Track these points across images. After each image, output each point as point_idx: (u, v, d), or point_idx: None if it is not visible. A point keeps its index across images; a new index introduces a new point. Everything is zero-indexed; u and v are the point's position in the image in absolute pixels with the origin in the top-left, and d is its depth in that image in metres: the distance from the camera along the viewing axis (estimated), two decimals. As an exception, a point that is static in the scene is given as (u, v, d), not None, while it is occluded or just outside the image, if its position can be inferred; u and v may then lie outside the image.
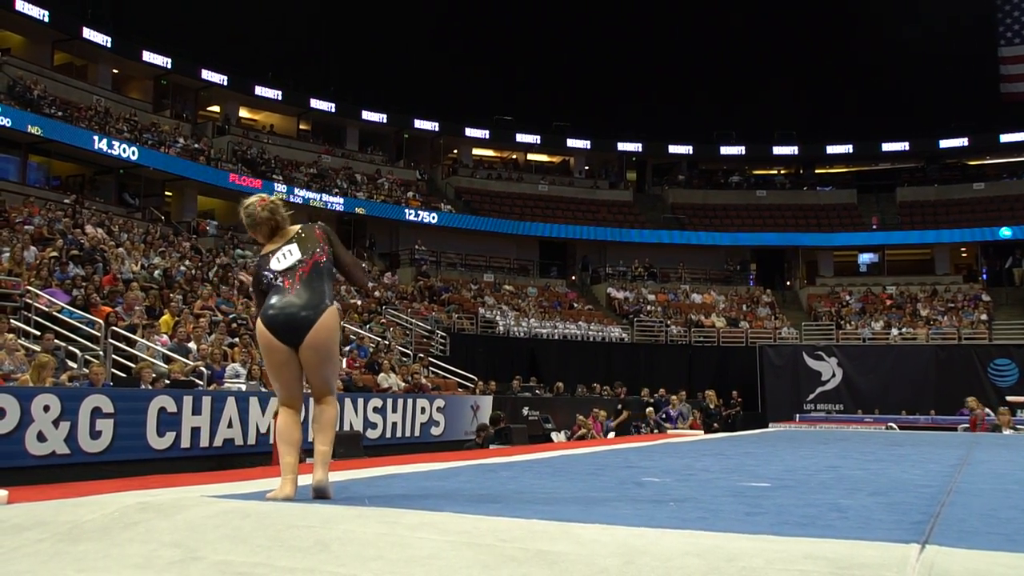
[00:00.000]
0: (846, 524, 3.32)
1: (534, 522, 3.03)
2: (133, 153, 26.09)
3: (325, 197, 30.60)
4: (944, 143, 38.60)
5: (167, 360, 12.32)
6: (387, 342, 19.72)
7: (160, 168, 27.42)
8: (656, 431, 16.94)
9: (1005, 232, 33.81)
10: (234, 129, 33.36)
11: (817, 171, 41.48)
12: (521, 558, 2.54)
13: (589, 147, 40.34)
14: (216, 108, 35.34)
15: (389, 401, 13.50)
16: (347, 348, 17.63)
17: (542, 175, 39.90)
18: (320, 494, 3.78)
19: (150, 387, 10.53)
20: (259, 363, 12.04)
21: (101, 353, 12.07)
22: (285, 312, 3.83)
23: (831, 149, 40.03)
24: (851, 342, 28.22)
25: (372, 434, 12.64)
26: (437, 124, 38.39)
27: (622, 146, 40.45)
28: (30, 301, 13.12)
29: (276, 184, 29.06)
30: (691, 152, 40.96)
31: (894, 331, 28.77)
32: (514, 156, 42.03)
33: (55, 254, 15.92)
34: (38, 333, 12.11)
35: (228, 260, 22.62)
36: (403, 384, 16.42)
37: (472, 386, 19.11)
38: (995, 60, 38.01)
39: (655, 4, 39.60)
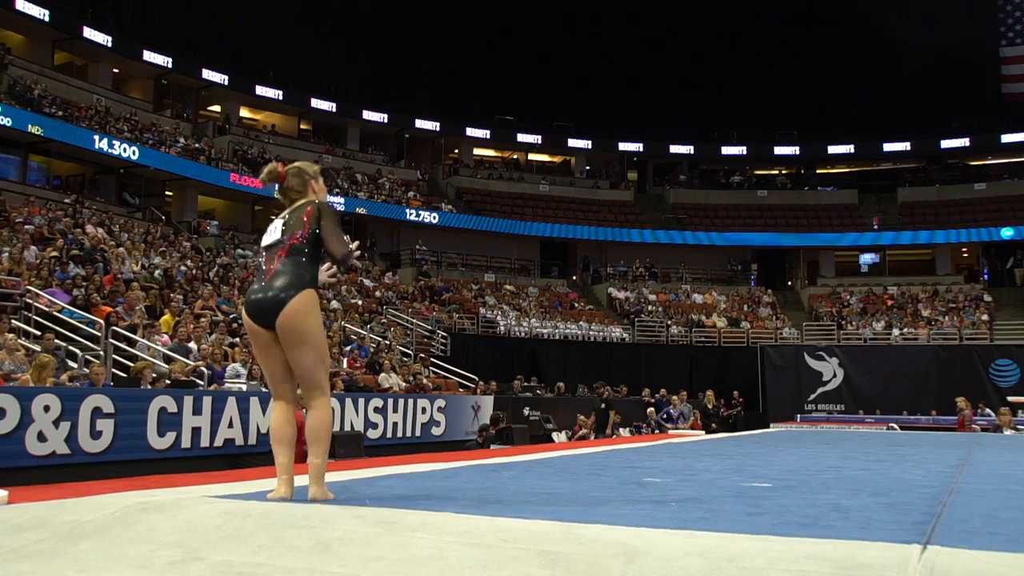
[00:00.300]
0: (848, 524, 3.31)
1: (535, 522, 3.03)
2: (134, 153, 26.08)
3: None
4: (945, 143, 38.57)
5: (168, 360, 12.32)
6: (388, 342, 19.73)
7: (161, 168, 27.41)
8: (657, 431, 16.95)
9: (1006, 232, 33.80)
10: (235, 129, 33.36)
11: (818, 171, 41.47)
12: (522, 558, 2.54)
13: (590, 147, 40.33)
14: (217, 108, 35.34)
15: (390, 401, 13.50)
16: (348, 348, 17.64)
17: (543, 175, 39.90)
18: None
19: (149, 387, 10.53)
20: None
21: (101, 353, 12.08)
22: (259, 295, 3.81)
23: (832, 149, 40.01)
24: (852, 342, 28.21)
25: (373, 434, 12.64)
26: (438, 124, 38.39)
27: (623, 146, 40.44)
28: (30, 301, 13.12)
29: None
30: (692, 152, 40.95)
31: (895, 331, 28.76)
32: (515, 156, 42.04)
33: (55, 254, 15.92)
34: (38, 333, 12.11)
35: (229, 260, 22.63)
36: (404, 384, 16.41)
37: (473, 386, 19.11)
38: (996, 60, 38.00)
39: (656, 4, 39.53)
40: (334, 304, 21.46)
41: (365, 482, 4.62)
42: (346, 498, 3.73)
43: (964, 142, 38.38)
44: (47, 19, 27.79)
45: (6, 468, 7.54)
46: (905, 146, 39.17)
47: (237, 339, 14.42)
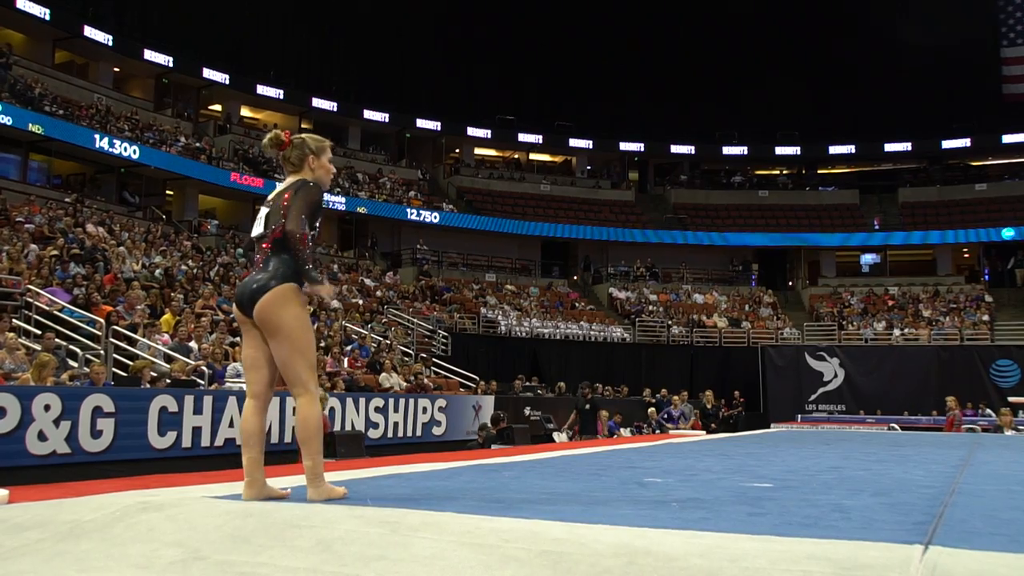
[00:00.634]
0: (849, 525, 3.31)
1: (537, 522, 3.03)
2: (134, 152, 26.08)
3: (327, 196, 30.46)
4: (946, 144, 38.59)
5: (168, 359, 12.32)
6: (389, 342, 19.74)
7: (161, 167, 27.40)
8: (658, 431, 16.94)
9: (1007, 233, 33.80)
10: (235, 128, 33.36)
11: (819, 171, 41.48)
12: (524, 558, 2.54)
13: (591, 147, 40.34)
14: (217, 107, 35.35)
15: (391, 401, 13.51)
16: (349, 347, 17.64)
17: (544, 175, 39.92)
18: None
19: (148, 386, 10.53)
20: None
21: (102, 352, 12.09)
22: (244, 284, 3.81)
23: (833, 149, 40.03)
24: (853, 343, 28.21)
25: (374, 434, 12.65)
26: (439, 124, 38.40)
27: (624, 146, 40.46)
28: (31, 300, 13.12)
29: (278, 183, 28.97)
30: (693, 152, 40.96)
31: (896, 332, 28.76)
32: (516, 156, 42.05)
33: (56, 253, 15.93)
34: (39, 332, 12.11)
35: (230, 259, 22.63)
36: (405, 384, 16.41)
37: (474, 386, 19.12)
38: (997, 61, 37.98)
39: (658, 4, 39.53)
40: (335, 304, 21.46)
41: (366, 482, 4.61)
42: (347, 498, 3.72)
43: (965, 142, 38.40)
44: (48, 18, 27.80)
45: (6, 467, 7.54)
46: (906, 146, 39.19)
47: (238, 338, 14.42)
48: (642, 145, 40.38)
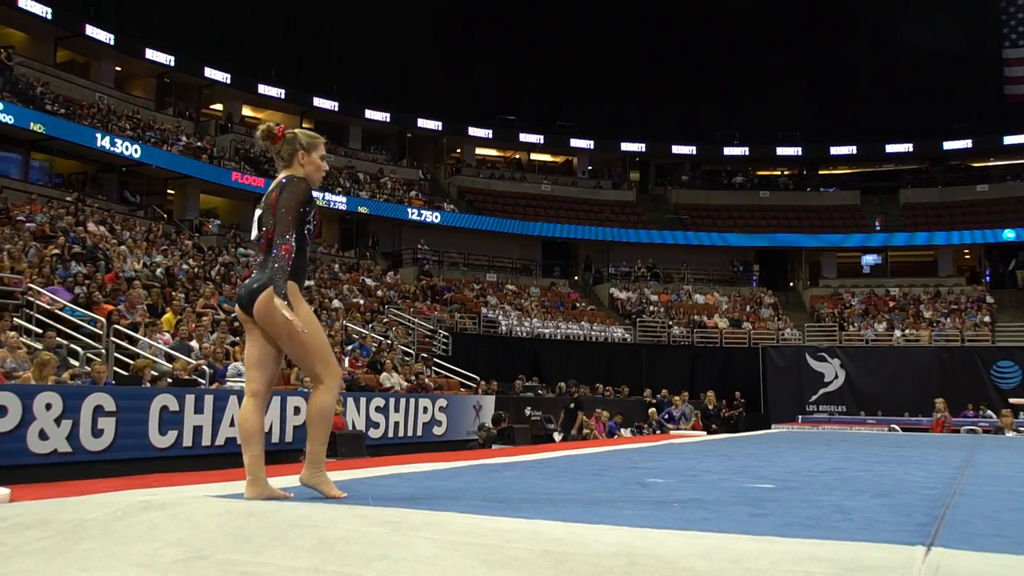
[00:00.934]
0: (851, 526, 3.31)
1: (538, 522, 3.03)
2: (136, 151, 26.08)
3: (328, 196, 30.59)
4: (948, 145, 38.57)
5: (169, 359, 12.33)
6: (390, 341, 19.74)
7: (162, 166, 27.40)
8: (659, 432, 16.94)
9: (1008, 234, 33.78)
10: (237, 127, 33.35)
11: (820, 172, 41.46)
12: (525, 558, 2.54)
13: (592, 147, 40.35)
14: (219, 106, 35.36)
15: (391, 401, 13.52)
16: (350, 347, 17.64)
17: (545, 175, 39.91)
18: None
19: (149, 385, 10.53)
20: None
21: (103, 351, 12.10)
22: (244, 284, 3.83)
23: (835, 150, 40.01)
24: (854, 343, 28.19)
25: (375, 433, 12.65)
26: (440, 123, 38.40)
27: (625, 146, 40.45)
28: (32, 299, 13.13)
29: (279, 177, 28.99)
30: (694, 152, 40.95)
31: (897, 333, 28.74)
32: (517, 156, 42.06)
33: (57, 252, 15.93)
34: (40, 331, 12.12)
35: (231, 258, 22.64)
36: (405, 384, 16.42)
37: (474, 386, 19.12)
38: (999, 62, 37.96)
39: (659, 4, 39.52)
40: (336, 303, 21.47)
41: (367, 482, 4.61)
42: (348, 497, 3.72)
43: (966, 143, 38.38)
44: (49, 17, 27.81)
45: (8, 466, 7.55)
46: (907, 147, 39.17)
47: (238, 338, 14.43)
48: (643, 145, 40.38)
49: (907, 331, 28.86)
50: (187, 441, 9.60)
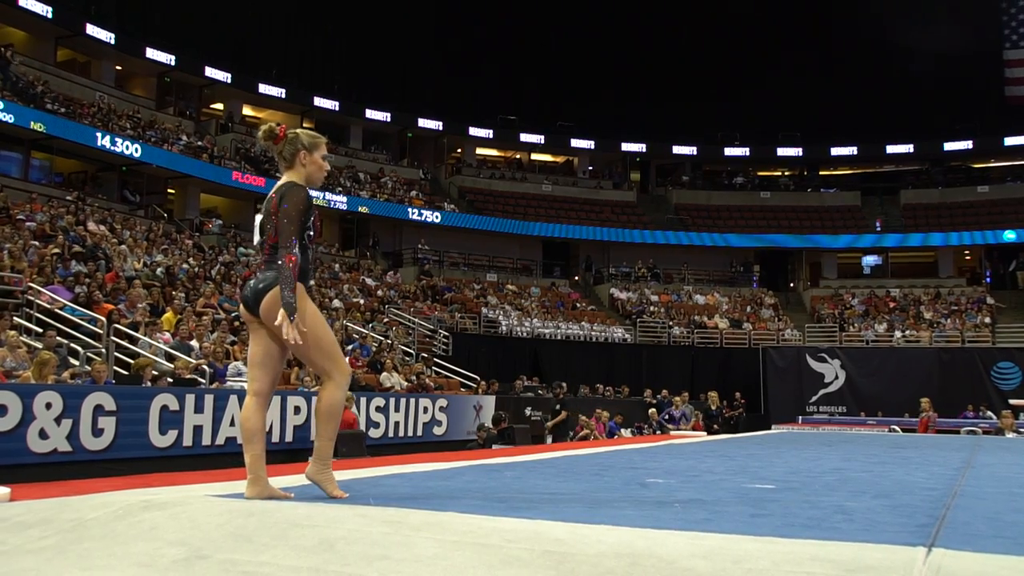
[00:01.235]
0: (852, 526, 3.30)
1: (539, 523, 3.02)
2: (136, 150, 26.09)
3: (328, 196, 30.61)
4: (948, 146, 38.59)
5: (169, 358, 12.33)
6: (390, 341, 19.74)
7: (163, 165, 27.41)
8: (659, 432, 16.94)
9: (1009, 235, 33.79)
10: (237, 127, 33.36)
11: (821, 173, 41.47)
12: (526, 558, 2.54)
13: (593, 147, 40.36)
14: (219, 106, 35.37)
15: (392, 400, 13.51)
16: (350, 347, 17.64)
17: (546, 175, 39.92)
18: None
19: (149, 384, 10.53)
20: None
21: (103, 351, 12.10)
22: (249, 285, 3.83)
23: (835, 151, 40.02)
24: (854, 344, 28.19)
25: (375, 433, 12.64)
26: (441, 123, 38.42)
27: (626, 146, 40.47)
28: (32, 298, 13.13)
29: (279, 182, 28.97)
30: (695, 153, 40.97)
31: (897, 333, 28.74)
32: (518, 156, 42.07)
33: (57, 251, 15.94)
34: (40, 330, 12.12)
35: (231, 258, 22.64)
36: (406, 384, 16.42)
37: (475, 386, 19.12)
38: (1000, 63, 37.96)
39: (660, 4, 39.53)
40: (336, 303, 21.47)
41: (368, 481, 4.61)
42: (349, 497, 3.72)
43: (967, 144, 38.41)
44: (50, 16, 27.81)
45: (8, 465, 7.54)
46: (908, 148, 39.20)
47: (237, 337, 14.43)
48: (644, 146, 40.40)
49: (907, 332, 28.85)
50: (187, 440, 9.59)
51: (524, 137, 39.86)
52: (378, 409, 12.95)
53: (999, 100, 37.63)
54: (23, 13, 27.22)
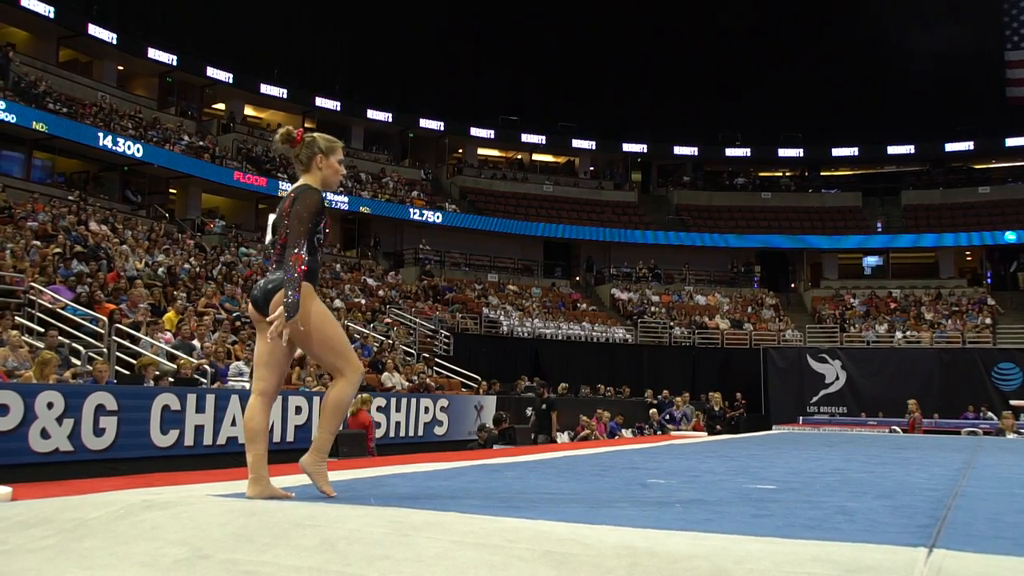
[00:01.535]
0: (853, 527, 3.30)
1: (540, 523, 3.03)
2: (138, 150, 26.09)
3: (329, 196, 30.48)
4: (949, 146, 38.59)
5: (171, 358, 12.33)
6: (391, 341, 19.74)
7: (165, 165, 27.41)
8: (659, 432, 16.94)
9: (1010, 236, 33.78)
10: (239, 127, 33.38)
11: (822, 173, 41.46)
12: (528, 558, 2.54)
13: (594, 148, 40.37)
14: (221, 106, 35.37)
15: (393, 400, 13.51)
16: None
17: (547, 175, 39.93)
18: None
19: (150, 384, 10.53)
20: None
21: (105, 350, 12.10)
22: (259, 285, 3.85)
23: (836, 152, 40.02)
24: (855, 345, 28.19)
25: (376, 433, 12.63)
26: (442, 124, 38.43)
27: (627, 147, 40.48)
28: (34, 298, 13.14)
29: (281, 182, 29.07)
30: (696, 153, 40.97)
31: (898, 334, 28.73)
32: (519, 156, 42.07)
33: (59, 251, 15.94)
34: (42, 330, 12.13)
35: (232, 258, 22.64)
36: (407, 384, 16.42)
37: (476, 386, 19.12)
38: (1001, 64, 37.95)
39: (661, 5, 39.53)
40: (337, 303, 21.47)
41: (369, 481, 4.61)
42: (350, 497, 3.72)
43: (968, 145, 38.41)
44: (52, 16, 27.81)
45: (9, 465, 7.54)
46: (909, 149, 39.20)
47: (238, 336, 14.44)
48: (645, 146, 40.42)
49: (908, 333, 28.85)
50: (189, 440, 9.60)
51: (525, 137, 39.88)
52: (379, 409, 12.96)
53: (1000, 101, 37.60)
54: (25, 13, 27.22)
